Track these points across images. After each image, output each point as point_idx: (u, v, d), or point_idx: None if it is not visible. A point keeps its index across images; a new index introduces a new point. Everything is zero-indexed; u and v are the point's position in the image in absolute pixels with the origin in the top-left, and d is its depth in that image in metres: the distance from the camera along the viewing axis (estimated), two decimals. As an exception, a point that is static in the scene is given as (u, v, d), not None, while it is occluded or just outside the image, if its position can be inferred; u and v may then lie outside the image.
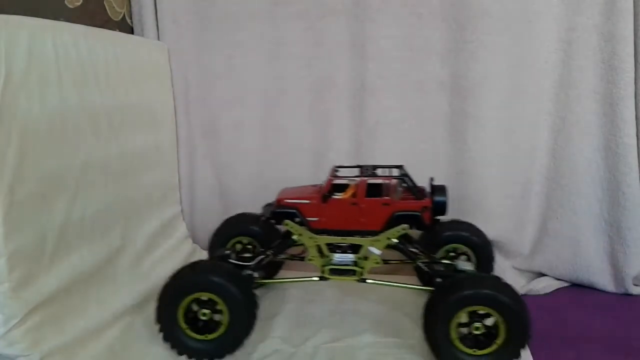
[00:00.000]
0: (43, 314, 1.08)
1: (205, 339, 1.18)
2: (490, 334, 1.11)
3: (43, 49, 1.12)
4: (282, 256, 1.44)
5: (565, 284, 1.69)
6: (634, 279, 1.63)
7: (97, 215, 1.30)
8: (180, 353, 1.18)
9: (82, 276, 1.22)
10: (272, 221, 1.38)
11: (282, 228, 1.36)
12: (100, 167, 1.31)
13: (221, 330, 1.17)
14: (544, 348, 1.29)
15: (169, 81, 1.74)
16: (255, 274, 1.27)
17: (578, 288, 1.68)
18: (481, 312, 1.11)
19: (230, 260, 1.28)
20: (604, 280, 1.65)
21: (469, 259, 1.49)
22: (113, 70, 1.38)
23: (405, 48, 1.64)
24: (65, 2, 1.39)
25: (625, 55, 1.51)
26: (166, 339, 1.19)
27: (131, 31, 1.73)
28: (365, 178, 1.28)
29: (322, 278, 1.28)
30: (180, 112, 1.79)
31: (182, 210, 1.83)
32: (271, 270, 1.55)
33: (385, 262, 1.36)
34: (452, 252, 1.50)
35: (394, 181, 1.30)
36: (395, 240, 1.25)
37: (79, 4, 1.44)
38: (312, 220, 1.28)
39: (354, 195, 1.26)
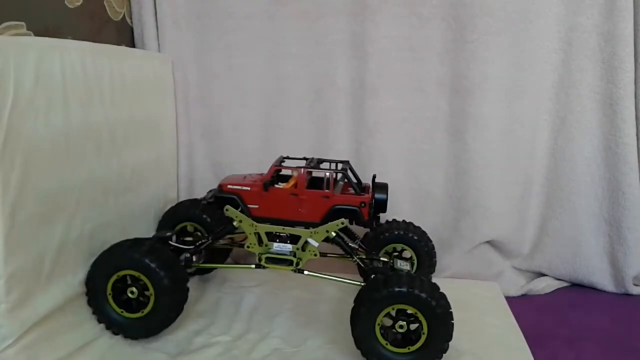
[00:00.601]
0: (38, 332, 1.08)
1: (123, 314, 1.20)
2: (413, 334, 1.13)
3: (50, 70, 1.12)
4: (222, 242, 1.44)
5: (565, 284, 1.70)
6: (634, 279, 1.64)
7: (95, 232, 1.29)
8: (99, 321, 1.22)
9: (77, 294, 1.21)
10: (214, 206, 1.36)
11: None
12: (100, 184, 1.30)
13: (146, 310, 1.19)
14: (544, 348, 1.29)
15: (171, 94, 1.74)
16: (194, 258, 1.28)
17: (578, 288, 1.68)
18: (409, 311, 1.11)
19: (170, 242, 1.30)
20: (604, 280, 1.65)
21: (411, 261, 1.49)
22: (118, 86, 1.37)
23: (405, 48, 1.64)
24: (65, 2, 1.39)
25: (625, 55, 1.51)
26: (89, 303, 1.21)
27: (131, 31, 1.73)
28: (308, 170, 1.28)
29: (258, 266, 1.29)
30: (181, 113, 1.78)
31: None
32: (218, 257, 1.54)
33: (323, 255, 1.36)
34: (395, 251, 1.50)
35: (337, 175, 1.30)
36: (334, 234, 1.26)
37: (79, 4, 1.44)
38: (252, 208, 1.28)
39: (295, 185, 1.27)
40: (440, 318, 1.09)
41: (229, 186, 1.31)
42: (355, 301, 1.15)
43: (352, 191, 1.28)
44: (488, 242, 1.73)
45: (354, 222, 1.28)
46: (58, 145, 1.14)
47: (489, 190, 1.67)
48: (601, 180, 1.63)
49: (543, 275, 1.73)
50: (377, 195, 1.27)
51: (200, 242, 1.34)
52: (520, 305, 1.52)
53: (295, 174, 1.28)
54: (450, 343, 1.11)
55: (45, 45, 1.13)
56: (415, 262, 1.49)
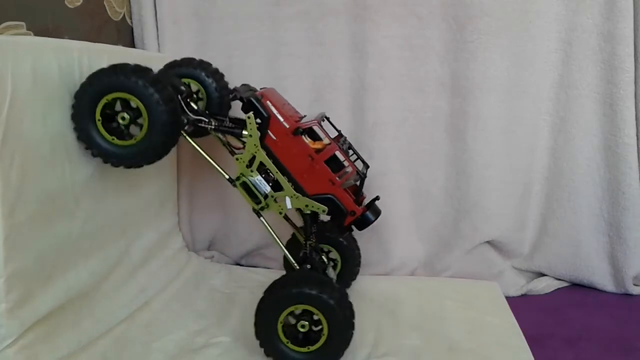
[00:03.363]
0: (37, 331, 1.08)
1: (113, 141, 1.17)
2: (315, 337, 1.15)
3: (48, 69, 1.11)
4: (219, 135, 1.40)
5: (565, 284, 1.70)
6: (634, 279, 1.64)
7: (95, 232, 1.29)
8: (87, 148, 1.18)
9: (77, 293, 1.21)
10: (237, 100, 1.33)
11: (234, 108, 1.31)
12: (100, 183, 1.30)
13: (136, 138, 1.16)
14: (544, 348, 1.29)
15: None
16: (187, 127, 1.26)
17: (578, 288, 1.68)
18: (315, 316, 1.13)
19: (179, 96, 1.25)
20: (604, 280, 1.65)
21: (335, 267, 1.52)
22: None
23: (405, 48, 1.64)
24: (65, 2, 1.39)
25: (625, 55, 1.51)
26: (73, 118, 1.17)
27: (131, 31, 1.73)
28: (336, 147, 1.26)
29: (230, 180, 1.28)
30: (180, 112, 1.78)
31: (179, 222, 1.81)
32: (197, 132, 1.45)
33: (286, 218, 1.40)
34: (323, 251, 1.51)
35: (354, 172, 1.29)
36: (309, 212, 1.27)
37: (79, 4, 1.44)
38: (270, 136, 1.26)
39: (317, 151, 1.26)
40: (343, 329, 1.12)
41: (267, 102, 1.27)
42: (274, 283, 1.17)
43: (353, 195, 1.28)
44: (488, 242, 1.73)
45: (329, 217, 1.28)
46: (57, 145, 1.14)
47: (489, 190, 1.67)
48: (601, 180, 1.63)
49: (543, 275, 1.73)
50: (367, 214, 1.27)
51: (202, 120, 1.29)
52: (520, 305, 1.52)
53: (327, 141, 1.27)
54: (450, 342, 1.11)
55: (43, 45, 1.13)
56: (339, 266, 1.52)
